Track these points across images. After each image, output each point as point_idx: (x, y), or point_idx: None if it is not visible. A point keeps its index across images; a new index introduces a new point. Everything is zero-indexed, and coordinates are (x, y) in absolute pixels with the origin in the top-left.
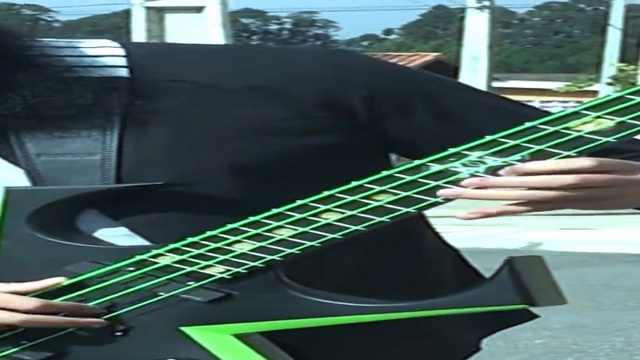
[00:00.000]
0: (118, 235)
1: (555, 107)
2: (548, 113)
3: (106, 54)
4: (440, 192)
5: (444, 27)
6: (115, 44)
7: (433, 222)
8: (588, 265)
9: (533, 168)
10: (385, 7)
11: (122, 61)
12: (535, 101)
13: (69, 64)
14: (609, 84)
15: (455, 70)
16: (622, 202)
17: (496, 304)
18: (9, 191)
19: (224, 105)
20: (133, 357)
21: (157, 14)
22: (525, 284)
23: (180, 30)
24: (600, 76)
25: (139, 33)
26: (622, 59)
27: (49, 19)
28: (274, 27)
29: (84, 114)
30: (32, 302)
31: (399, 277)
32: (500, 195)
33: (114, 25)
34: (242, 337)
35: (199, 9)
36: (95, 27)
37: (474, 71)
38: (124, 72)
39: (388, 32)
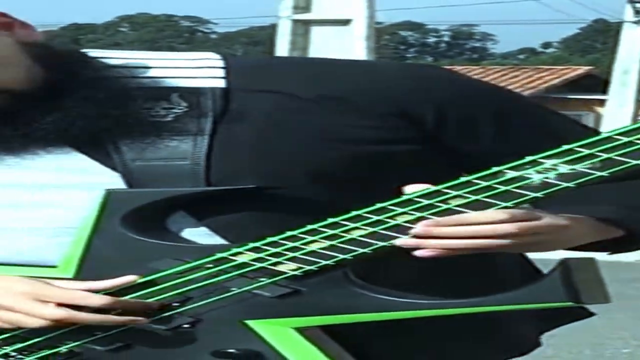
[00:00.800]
0: (199, 235)
1: None
2: (596, 131)
3: (206, 65)
4: (398, 242)
5: (602, 41)
6: (218, 56)
7: None
8: None
9: (475, 219)
10: (544, 21)
11: (221, 73)
12: None
13: (168, 75)
14: None
15: (605, 84)
16: (551, 247)
17: (546, 302)
18: (109, 192)
19: (307, 114)
20: (196, 347)
21: (303, 27)
22: (575, 283)
23: (324, 43)
24: None
25: (283, 46)
26: None
27: (207, 30)
28: (431, 40)
29: (178, 122)
30: (99, 300)
31: (464, 274)
32: (446, 244)
33: (270, 37)
34: (301, 331)
35: (346, 22)
36: (252, 38)
37: (624, 84)
38: (220, 83)
39: (546, 45)
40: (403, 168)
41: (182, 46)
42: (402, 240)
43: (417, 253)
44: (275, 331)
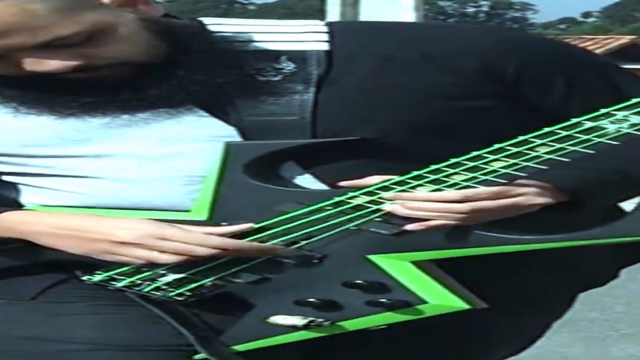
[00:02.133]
0: (306, 182)
1: None
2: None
3: (311, 30)
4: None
5: None
6: (322, 23)
7: None
8: None
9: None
10: None
11: (325, 37)
12: None
13: (277, 39)
14: None
15: None
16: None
17: (630, 235)
18: (229, 145)
19: (403, 72)
20: (326, 279)
21: None
22: None
23: (374, 14)
24: None
25: (333, 16)
26: None
27: (245, 1)
28: (470, 10)
29: (287, 81)
30: (217, 241)
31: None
32: (423, 214)
33: (310, 7)
34: (418, 264)
35: None
36: (291, 9)
37: None
38: (325, 46)
39: (586, 15)
40: (489, 121)
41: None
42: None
43: (408, 227)
44: (395, 265)
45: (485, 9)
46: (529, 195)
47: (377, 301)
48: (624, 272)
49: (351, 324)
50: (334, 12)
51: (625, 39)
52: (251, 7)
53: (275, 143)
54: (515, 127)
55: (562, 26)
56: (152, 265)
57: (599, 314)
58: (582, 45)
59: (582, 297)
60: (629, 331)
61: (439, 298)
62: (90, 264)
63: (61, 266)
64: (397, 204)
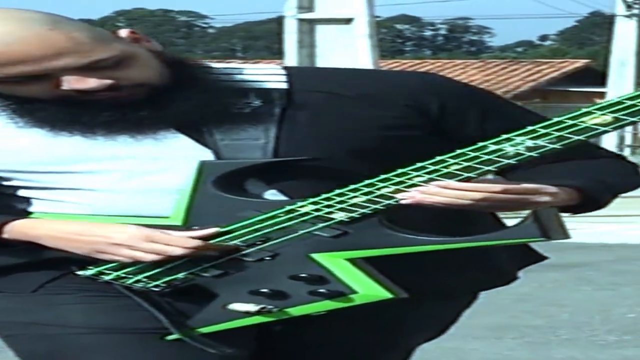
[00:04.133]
0: (269, 194)
1: None
2: (547, 118)
3: (273, 72)
4: (399, 195)
5: (599, 33)
6: (279, 67)
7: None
8: None
9: (476, 187)
10: (541, 15)
11: (284, 78)
12: None
13: (247, 79)
14: None
15: (603, 76)
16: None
17: (525, 238)
18: (203, 162)
19: (347, 108)
20: (276, 274)
21: (308, 26)
22: (544, 225)
23: (330, 41)
24: None
25: (290, 43)
26: None
27: (204, 25)
28: (428, 33)
29: (254, 113)
30: (193, 243)
31: (460, 224)
32: (442, 201)
33: (268, 31)
34: (351, 260)
35: (348, 21)
36: (249, 32)
37: (621, 77)
38: (284, 86)
39: (543, 38)
40: (414, 147)
41: (180, 40)
42: (413, 195)
43: (428, 201)
44: (333, 261)
45: (443, 32)
46: (554, 197)
47: (318, 291)
48: (569, 283)
49: (296, 310)
50: (291, 38)
51: (580, 63)
52: (211, 31)
53: (240, 162)
54: (438, 151)
55: (519, 49)
56: (136, 262)
57: (544, 322)
58: (538, 68)
59: (528, 306)
60: (570, 337)
61: (367, 289)
62: (83, 261)
63: (58, 264)
64: (415, 192)
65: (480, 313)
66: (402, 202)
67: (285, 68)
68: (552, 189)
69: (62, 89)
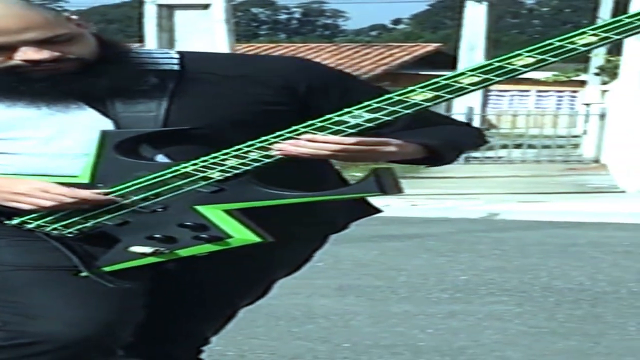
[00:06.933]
0: (159, 158)
1: (551, 96)
2: (388, 91)
3: (167, 56)
4: (276, 146)
5: (452, 17)
6: (174, 52)
7: (410, 195)
8: (531, 229)
9: (334, 139)
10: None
11: (177, 60)
12: (532, 90)
13: (146, 60)
14: (596, 74)
15: (454, 60)
16: (389, 158)
17: (366, 192)
18: (105, 131)
19: (230, 86)
20: (167, 222)
21: (167, 11)
22: (382, 183)
23: (188, 25)
24: (588, 67)
25: (150, 27)
26: (609, 50)
27: (58, 8)
28: (283, 16)
29: (150, 89)
30: (86, 194)
31: (308, 182)
32: (308, 152)
33: (124, 15)
34: (227, 211)
35: (205, 6)
36: (105, 16)
37: (471, 60)
38: (176, 67)
39: (397, 22)
40: (284, 119)
41: None
42: (285, 147)
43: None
44: (212, 212)
45: (297, 15)
46: (401, 148)
47: (200, 236)
48: (410, 251)
49: (183, 252)
50: (151, 23)
51: (432, 47)
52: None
53: (135, 130)
54: (299, 122)
55: (373, 33)
56: (52, 212)
57: (384, 283)
58: (390, 52)
59: (370, 269)
60: (407, 295)
61: (241, 234)
62: (11, 213)
63: None
64: (286, 144)
65: (326, 275)
66: (274, 153)
67: (179, 52)
68: (398, 141)
69: (15, 59)
